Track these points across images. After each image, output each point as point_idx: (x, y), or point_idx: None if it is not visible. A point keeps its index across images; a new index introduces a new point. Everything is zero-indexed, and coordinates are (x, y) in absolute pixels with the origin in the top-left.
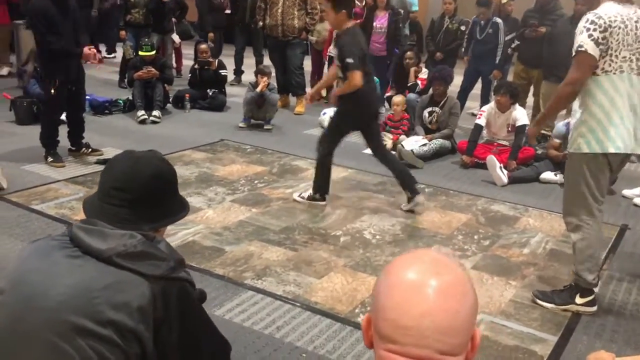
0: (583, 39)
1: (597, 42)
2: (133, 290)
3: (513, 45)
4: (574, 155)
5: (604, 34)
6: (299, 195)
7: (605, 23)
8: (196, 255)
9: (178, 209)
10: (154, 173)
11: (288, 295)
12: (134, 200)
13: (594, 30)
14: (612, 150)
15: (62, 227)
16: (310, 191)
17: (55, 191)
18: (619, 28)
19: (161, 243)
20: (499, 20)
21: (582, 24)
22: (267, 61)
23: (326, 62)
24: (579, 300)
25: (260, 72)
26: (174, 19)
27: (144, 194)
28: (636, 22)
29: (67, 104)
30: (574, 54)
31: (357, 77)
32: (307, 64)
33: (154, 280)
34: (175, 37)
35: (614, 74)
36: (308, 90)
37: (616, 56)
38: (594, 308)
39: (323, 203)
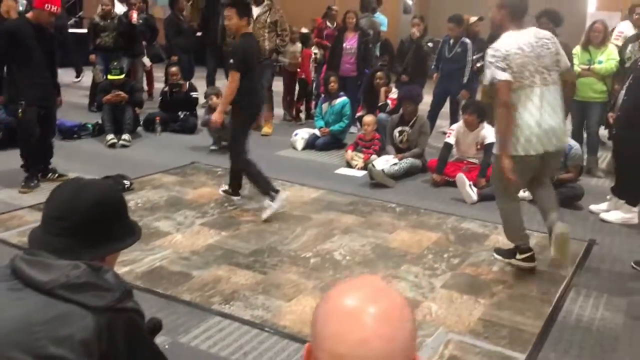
0: (493, 72)
1: (503, 69)
2: (76, 323)
3: (478, 65)
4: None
5: (505, 62)
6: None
7: (502, 53)
8: (163, 281)
9: (124, 235)
10: (95, 201)
11: (256, 319)
12: (73, 228)
13: (497, 61)
14: (521, 153)
15: None
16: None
17: (20, 218)
18: (516, 54)
19: (108, 273)
20: (467, 40)
21: (487, 59)
22: None
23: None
24: (518, 256)
25: (208, 95)
26: (144, 42)
27: (84, 222)
28: (535, 42)
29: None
30: (493, 84)
31: (234, 77)
32: (278, 84)
33: (98, 312)
34: (146, 60)
35: (524, 89)
36: (276, 112)
37: (521, 75)
38: (533, 264)
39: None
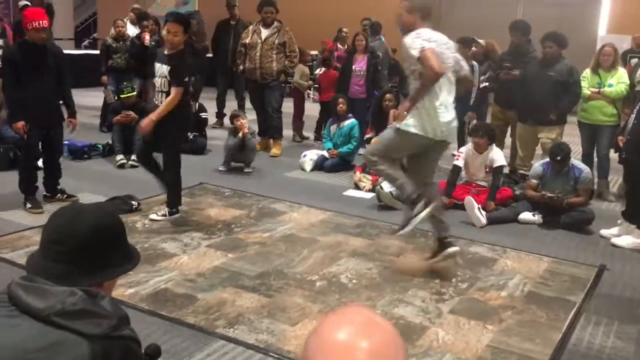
0: (419, 43)
1: (429, 42)
2: (71, 351)
3: (481, 85)
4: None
5: (430, 42)
6: (160, 215)
7: (426, 37)
8: (168, 304)
9: (122, 261)
10: (93, 226)
11: (260, 344)
12: (70, 254)
13: (423, 40)
14: (420, 133)
15: None
16: (166, 209)
17: (27, 239)
18: (436, 42)
19: (104, 299)
20: (474, 62)
21: (410, 39)
22: (248, 104)
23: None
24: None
25: (234, 116)
26: None
27: (81, 248)
28: (446, 42)
29: (42, 149)
30: (417, 55)
31: (179, 93)
32: (289, 106)
33: (94, 340)
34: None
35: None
36: (286, 133)
37: (442, 60)
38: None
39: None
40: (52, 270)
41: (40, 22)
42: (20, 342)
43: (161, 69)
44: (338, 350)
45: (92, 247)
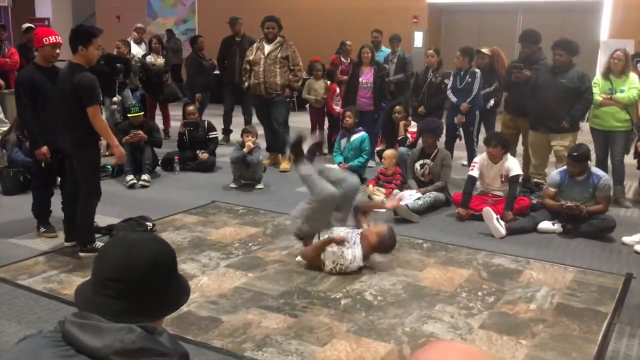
0: None
1: None
2: None
3: (488, 106)
4: None
5: None
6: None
7: None
8: (192, 327)
9: (179, 294)
10: (151, 260)
11: None
12: (130, 291)
13: None
14: None
15: (49, 302)
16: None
17: (44, 264)
18: None
19: (163, 335)
20: (477, 70)
21: None
22: (255, 120)
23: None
24: None
25: (245, 131)
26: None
27: (142, 284)
28: None
29: (60, 173)
30: None
31: (98, 111)
32: (299, 120)
33: None
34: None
35: None
36: None
37: None
38: None
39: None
40: (112, 307)
41: (56, 37)
42: None
43: None
44: None
45: (151, 282)
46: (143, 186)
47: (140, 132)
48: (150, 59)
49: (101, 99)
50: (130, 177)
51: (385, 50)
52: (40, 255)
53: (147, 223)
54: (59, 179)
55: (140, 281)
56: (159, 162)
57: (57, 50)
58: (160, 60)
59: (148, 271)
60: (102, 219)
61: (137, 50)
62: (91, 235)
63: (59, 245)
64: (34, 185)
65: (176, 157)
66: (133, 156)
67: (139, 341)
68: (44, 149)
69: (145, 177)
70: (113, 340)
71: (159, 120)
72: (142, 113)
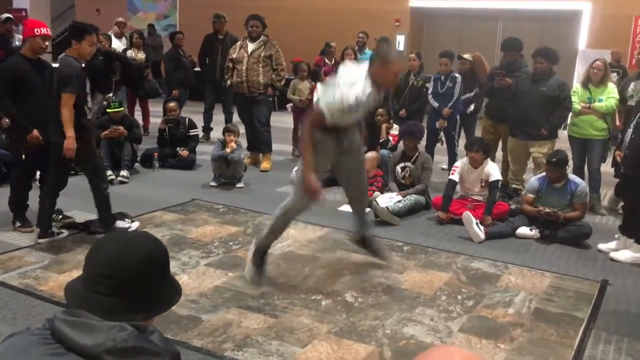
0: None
1: None
2: None
3: (468, 111)
4: None
5: None
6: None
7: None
8: (172, 326)
9: (172, 293)
10: (144, 257)
11: None
12: (122, 287)
13: None
14: None
15: (25, 298)
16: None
17: (19, 259)
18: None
19: (154, 334)
20: (457, 74)
21: None
22: (236, 118)
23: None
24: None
25: (228, 130)
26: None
27: (134, 281)
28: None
29: (42, 166)
30: None
31: (72, 100)
32: (282, 120)
33: None
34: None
35: None
36: (276, 147)
37: None
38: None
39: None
40: (104, 303)
41: (47, 29)
42: None
43: None
44: None
45: (144, 280)
46: (122, 182)
47: (121, 127)
48: (130, 53)
49: (87, 91)
50: (108, 172)
51: (369, 52)
52: (16, 250)
53: (126, 219)
54: (38, 173)
55: (133, 278)
56: (138, 159)
57: (47, 42)
58: (141, 55)
59: (141, 268)
60: (79, 215)
61: (117, 45)
62: (50, 221)
63: (35, 240)
64: (13, 178)
65: (156, 154)
66: (112, 152)
67: (131, 340)
68: (35, 132)
69: (124, 173)
70: (105, 339)
71: (138, 116)
72: (122, 109)
